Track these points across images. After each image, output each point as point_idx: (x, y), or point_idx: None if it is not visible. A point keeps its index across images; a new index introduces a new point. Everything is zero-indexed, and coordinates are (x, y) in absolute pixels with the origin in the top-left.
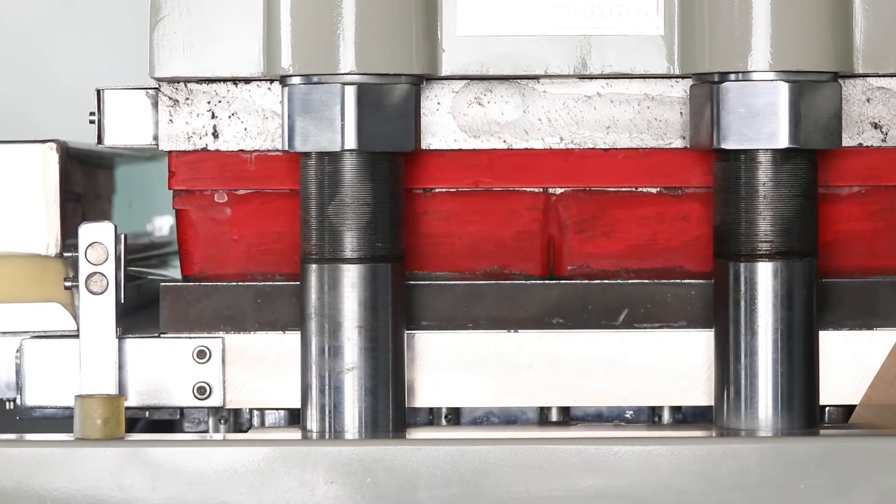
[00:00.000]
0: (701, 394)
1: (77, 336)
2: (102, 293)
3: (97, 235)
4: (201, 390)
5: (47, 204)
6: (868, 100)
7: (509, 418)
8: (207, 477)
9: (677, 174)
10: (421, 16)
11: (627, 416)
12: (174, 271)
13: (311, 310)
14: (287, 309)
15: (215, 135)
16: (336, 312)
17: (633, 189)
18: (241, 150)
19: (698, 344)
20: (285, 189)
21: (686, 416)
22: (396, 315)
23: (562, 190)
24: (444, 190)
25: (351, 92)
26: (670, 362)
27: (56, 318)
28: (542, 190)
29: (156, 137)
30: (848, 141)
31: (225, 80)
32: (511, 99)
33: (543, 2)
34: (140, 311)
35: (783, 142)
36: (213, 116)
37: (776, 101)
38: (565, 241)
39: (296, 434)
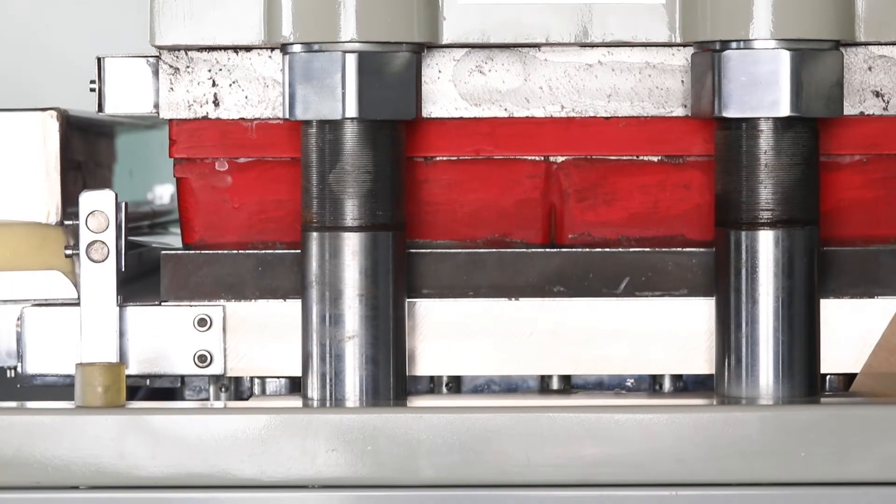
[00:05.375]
0: (702, 362)
1: (78, 304)
2: (103, 261)
3: (98, 203)
4: (202, 358)
5: (48, 172)
6: (870, 68)
7: (510, 386)
8: (208, 445)
9: (678, 142)
10: None
11: (628, 384)
12: (174, 239)
13: (311, 278)
14: (288, 277)
15: (216, 103)
16: (337, 280)
17: (635, 157)
18: (242, 119)
19: (699, 312)
20: (286, 157)
21: (687, 385)
22: (397, 283)
23: (563, 158)
24: (444, 158)
25: (352, 60)
26: (671, 331)
27: (57, 286)
28: (543, 158)
29: (156, 105)
30: (849, 109)
31: (226, 49)
32: (512, 67)
33: None
34: (141, 280)
35: (784, 110)
36: (214, 84)
37: (778, 69)
38: (566, 210)
39: (297, 402)
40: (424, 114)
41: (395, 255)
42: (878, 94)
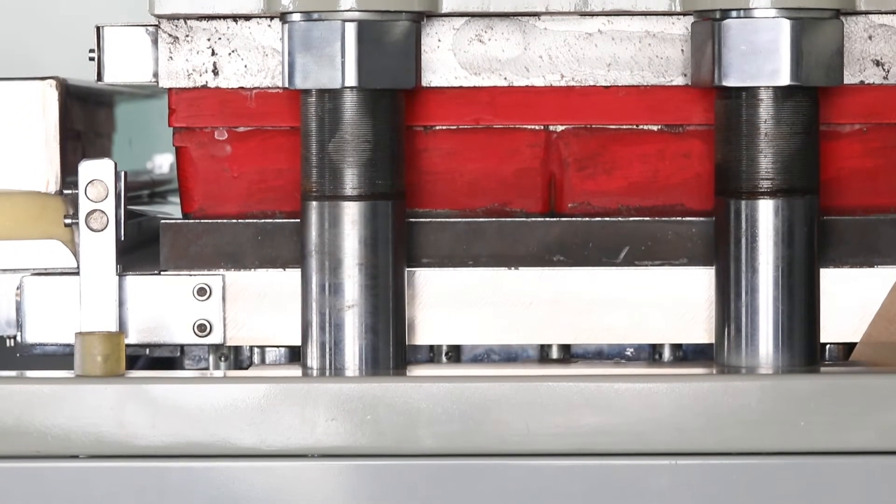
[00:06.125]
0: (701, 331)
1: (77, 273)
2: (102, 230)
3: (97, 173)
4: (202, 328)
5: (47, 141)
6: (870, 37)
7: (510, 356)
8: (208, 414)
9: (678, 111)
10: None
11: (628, 353)
12: (174, 209)
13: (311, 247)
14: (287, 246)
15: (215, 72)
16: (336, 250)
17: (634, 126)
18: (242, 88)
19: (699, 281)
20: (286, 126)
21: (686, 354)
22: (397, 252)
23: (563, 127)
24: (444, 127)
25: (351, 29)
26: (671, 300)
27: (56, 256)
28: (542, 127)
29: (156, 74)
30: (849, 78)
31: (225, 17)
32: (512, 36)
33: None
34: (140, 249)
35: (784, 79)
36: (213, 53)
37: (778, 38)
38: (566, 179)
39: (296, 371)
40: (424, 83)
41: (394, 225)
42: (878, 63)
